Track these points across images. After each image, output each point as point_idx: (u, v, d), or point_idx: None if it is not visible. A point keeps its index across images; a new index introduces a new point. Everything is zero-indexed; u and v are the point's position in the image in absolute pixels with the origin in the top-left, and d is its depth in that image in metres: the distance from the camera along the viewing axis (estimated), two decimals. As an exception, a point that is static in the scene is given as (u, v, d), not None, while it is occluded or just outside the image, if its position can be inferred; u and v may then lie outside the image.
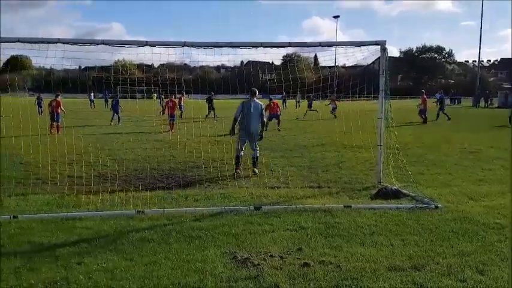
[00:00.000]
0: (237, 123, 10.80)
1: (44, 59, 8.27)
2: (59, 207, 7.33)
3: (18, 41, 7.47)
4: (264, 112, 11.09)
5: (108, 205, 7.49)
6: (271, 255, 5.18)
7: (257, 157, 10.74)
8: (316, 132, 20.37)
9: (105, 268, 4.76)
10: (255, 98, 10.79)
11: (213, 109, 28.24)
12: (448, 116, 28.75)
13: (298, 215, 6.84)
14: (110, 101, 36.02)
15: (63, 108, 20.69)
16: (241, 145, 10.66)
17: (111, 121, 24.96)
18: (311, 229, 6.21)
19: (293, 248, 5.46)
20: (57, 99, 20.44)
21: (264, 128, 11.08)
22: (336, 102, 29.36)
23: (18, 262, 4.92)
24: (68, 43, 7.69)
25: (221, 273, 4.64)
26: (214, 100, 29.08)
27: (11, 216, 6.55)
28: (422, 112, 26.82)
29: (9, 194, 8.25)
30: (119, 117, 25.19)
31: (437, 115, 28.76)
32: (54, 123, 19.58)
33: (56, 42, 7.65)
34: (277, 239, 5.76)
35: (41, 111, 29.24)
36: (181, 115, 27.06)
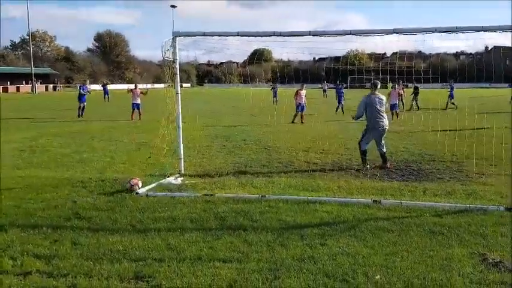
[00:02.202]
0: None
1: (284, 51, 9.01)
2: (300, 190, 7.87)
3: (274, 35, 8.25)
4: (387, 105, 10.11)
5: (344, 192, 7.74)
6: (530, 263, 4.58)
7: (384, 152, 9.96)
8: None
9: (347, 252, 4.93)
10: (377, 92, 9.90)
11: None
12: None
13: (561, 221, 5.87)
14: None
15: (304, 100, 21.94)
16: (367, 140, 10.00)
17: (336, 111, 25.72)
18: None
19: (556, 258, 4.71)
20: (300, 91, 21.80)
21: None
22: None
23: (270, 237, 5.47)
24: (316, 35, 8.14)
25: (470, 274, 4.32)
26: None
27: (260, 196, 7.33)
28: None
29: (256, 175, 9.27)
30: (342, 105, 25.76)
31: None
32: (299, 113, 21.01)
33: (307, 35, 8.19)
34: (536, 246, 5.06)
35: (276, 101, 31.95)
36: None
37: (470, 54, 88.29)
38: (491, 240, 5.26)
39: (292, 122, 20.21)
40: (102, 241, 5.35)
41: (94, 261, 4.76)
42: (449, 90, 29.73)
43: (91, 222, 6.10)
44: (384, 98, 10.03)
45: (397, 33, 7.97)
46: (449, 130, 14.30)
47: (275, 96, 33.49)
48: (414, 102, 27.89)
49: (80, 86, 26.65)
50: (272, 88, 34.96)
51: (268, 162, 10.82)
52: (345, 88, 27.22)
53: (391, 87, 22.55)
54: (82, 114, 23.78)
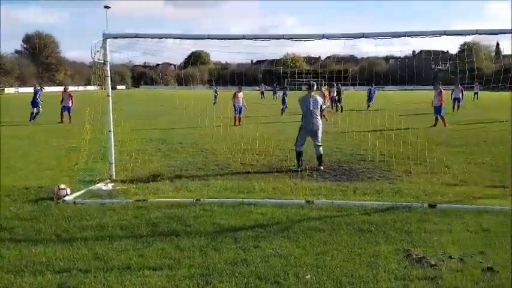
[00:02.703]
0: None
1: (222, 53, 9.02)
2: (236, 193, 7.86)
3: (208, 38, 8.21)
4: (323, 107, 10.52)
5: (279, 193, 7.82)
6: (450, 257, 4.83)
7: (321, 154, 10.24)
8: (500, 126, 18.39)
9: (280, 254, 4.96)
10: (313, 92, 10.26)
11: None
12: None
13: (479, 216, 6.26)
14: (278, 93, 37.69)
15: (244, 103, 21.87)
16: (301, 142, 10.26)
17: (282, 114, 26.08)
18: (495, 232, 5.64)
19: (474, 251, 5.01)
20: (237, 93, 21.81)
21: None
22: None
23: (203, 241, 5.40)
24: (250, 39, 8.19)
25: (395, 270, 4.49)
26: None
27: (195, 199, 7.22)
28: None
29: (192, 178, 9.16)
30: (284, 108, 26.20)
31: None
32: (237, 115, 21.04)
33: (242, 39, 8.22)
34: (456, 240, 5.35)
35: (215, 103, 31.99)
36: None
37: (399, 57, 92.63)
38: (415, 236, 5.50)
39: (234, 125, 20.23)
40: (24, 252, 5.06)
41: (15, 274, 4.49)
42: (369, 93, 31.74)
43: (13, 233, 5.75)
44: (319, 99, 10.26)
45: (326, 38, 8.20)
46: (378, 130, 14.87)
47: (216, 98, 33.52)
48: (338, 104, 28.67)
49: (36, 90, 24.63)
50: (214, 90, 35.12)
51: (204, 165, 10.73)
52: (279, 90, 27.75)
53: (319, 90, 23.14)
54: (34, 118, 22.26)
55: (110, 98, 8.83)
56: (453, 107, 27.21)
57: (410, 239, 5.41)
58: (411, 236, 5.49)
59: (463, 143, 14.02)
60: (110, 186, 8.33)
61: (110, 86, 8.87)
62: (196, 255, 4.97)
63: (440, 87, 20.27)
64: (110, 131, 8.82)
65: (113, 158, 8.93)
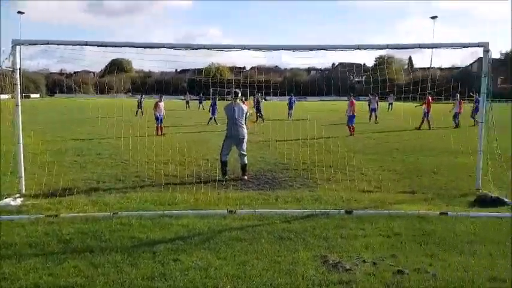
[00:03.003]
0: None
1: (144, 62, 8.84)
2: (156, 205, 7.65)
3: (126, 46, 8.00)
4: (248, 115, 10.76)
5: (201, 204, 7.72)
6: (363, 261, 5.03)
7: (246, 164, 10.30)
8: (410, 135, 19.58)
9: (199, 266, 4.89)
10: (238, 100, 10.44)
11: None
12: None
13: (391, 221, 6.59)
14: (203, 102, 37.45)
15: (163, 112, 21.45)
16: (226, 151, 10.29)
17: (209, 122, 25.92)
18: (405, 236, 5.97)
19: (386, 255, 5.26)
20: (159, 102, 21.36)
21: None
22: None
23: (119, 257, 5.17)
24: (172, 48, 8.07)
25: (312, 277, 4.58)
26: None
27: (112, 213, 6.94)
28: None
29: (110, 191, 8.81)
30: (214, 118, 26.16)
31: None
32: (159, 125, 20.58)
33: (161, 47, 8.07)
34: (369, 244, 5.59)
35: (141, 112, 31.13)
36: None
37: (319, 69, 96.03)
38: (332, 242, 5.67)
39: (156, 134, 19.80)
40: None
41: None
42: (289, 102, 32.71)
43: None
44: (244, 107, 10.33)
45: (247, 49, 8.30)
46: (301, 139, 15.28)
47: (140, 107, 32.49)
48: (258, 114, 29.04)
49: None
50: (139, 99, 34.01)
51: (124, 176, 10.37)
52: (204, 100, 27.61)
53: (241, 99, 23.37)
54: None
55: (19, 107, 8.30)
56: (370, 117, 28.62)
57: (327, 244, 5.57)
58: (328, 242, 5.65)
59: (377, 151, 14.77)
60: (18, 201, 7.76)
61: (19, 95, 8.36)
62: (112, 271, 4.75)
63: (352, 98, 21.39)
64: (19, 143, 8.27)
65: (23, 171, 8.37)
